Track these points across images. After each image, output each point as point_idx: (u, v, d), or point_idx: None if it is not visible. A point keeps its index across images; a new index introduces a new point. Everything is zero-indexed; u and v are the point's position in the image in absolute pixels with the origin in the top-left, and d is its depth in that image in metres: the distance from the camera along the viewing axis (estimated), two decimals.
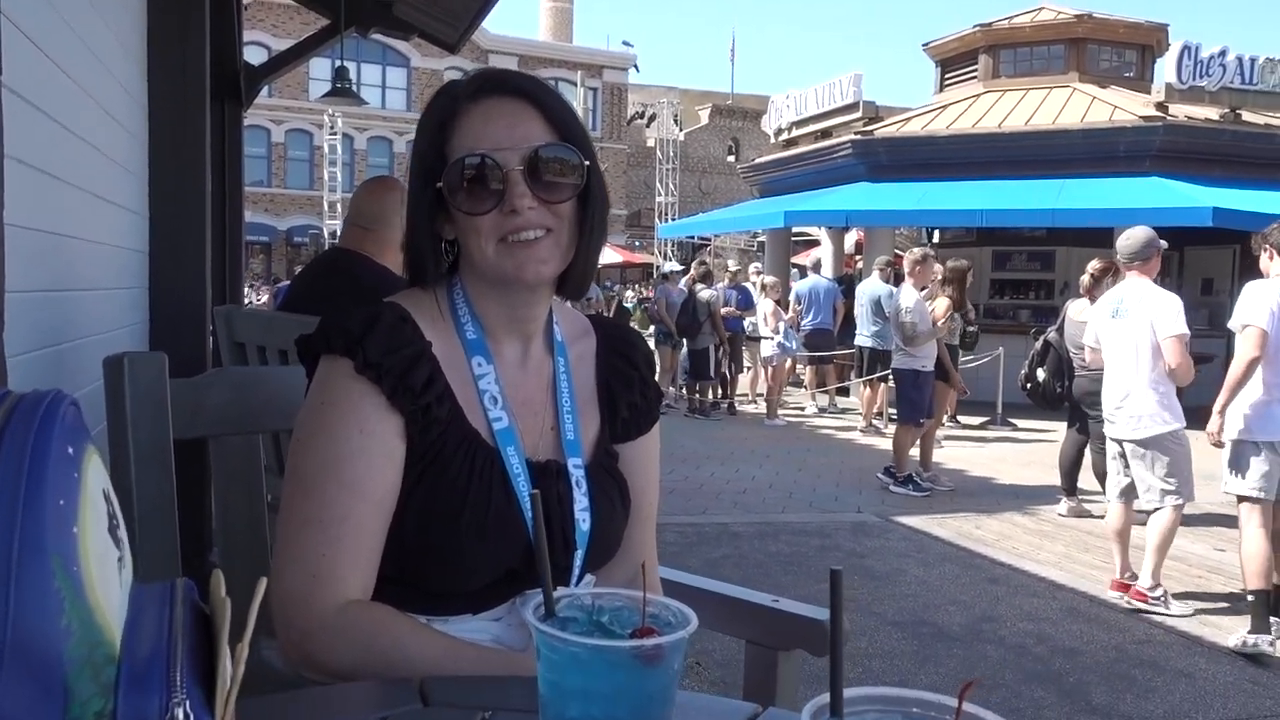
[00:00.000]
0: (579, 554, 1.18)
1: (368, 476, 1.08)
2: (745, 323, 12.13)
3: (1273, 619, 4.36)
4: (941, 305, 7.83)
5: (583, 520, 1.18)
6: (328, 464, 1.08)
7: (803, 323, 12.13)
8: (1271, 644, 4.28)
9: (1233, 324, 4.52)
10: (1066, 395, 6.77)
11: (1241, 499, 4.42)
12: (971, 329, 10.71)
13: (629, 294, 26.00)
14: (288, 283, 11.17)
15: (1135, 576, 5.04)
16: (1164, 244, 5.17)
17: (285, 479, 1.11)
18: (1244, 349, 4.38)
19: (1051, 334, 7.04)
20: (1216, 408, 4.48)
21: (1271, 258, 4.51)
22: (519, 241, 1.13)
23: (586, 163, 1.16)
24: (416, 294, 1.20)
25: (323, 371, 1.13)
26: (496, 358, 1.20)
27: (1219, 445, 4.48)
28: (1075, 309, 6.70)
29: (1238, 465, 4.43)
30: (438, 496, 1.11)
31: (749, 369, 12.99)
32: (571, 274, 1.20)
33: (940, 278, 8.15)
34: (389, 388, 1.10)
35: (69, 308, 2.45)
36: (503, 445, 1.15)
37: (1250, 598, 4.37)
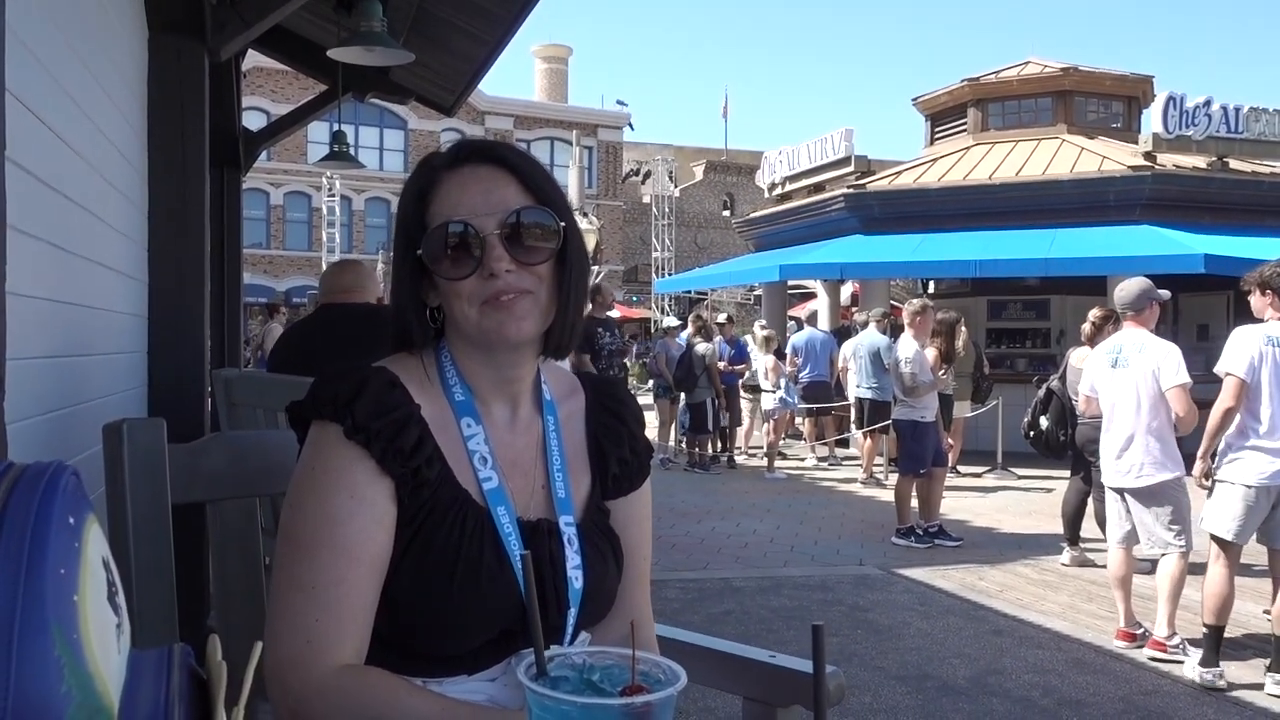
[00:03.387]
0: (572, 612, 1.18)
1: (360, 540, 1.09)
2: (748, 373, 12.18)
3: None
4: (931, 356, 7.85)
5: (575, 578, 1.19)
6: (320, 529, 1.09)
7: (800, 375, 12.16)
8: (1220, 677, 4.43)
9: (1218, 369, 4.62)
10: (1070, 443, 6.78)
11: (1214, 538, 4.53)
12: (985, 382, 10.80)
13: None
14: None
15: (1139, 625, 5.01)
16: (1165, 294, 5.22)
17: (278, 544, 1.12)
18: (1221, 398, 4.52)
19: (1054, 382, 7.06)
20: (1200, 453, 4.61)
21: (1270, 300, 4.56)
22: (499, 301, 1.15)
23: (563, 224, 1.18)
24: (404, 358, 1.22)
25: (313, 437, 1.15)
26: (485, 419, 1.21)
27: (1206, 487, 4.63)
28: (1077, 357, 6.73)
29: (1216, 506, 4.54)
30: (430, 558, 1.12)
31: (746, 420, 13.00)
32: (553, 334, 1.22)
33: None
34: (379, 451, 1.11)
35: (69, 373, 2.46)
36: (493, 505, 1.16)
37: (1205, 630, 4.52)
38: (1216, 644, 4.50)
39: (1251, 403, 4.43)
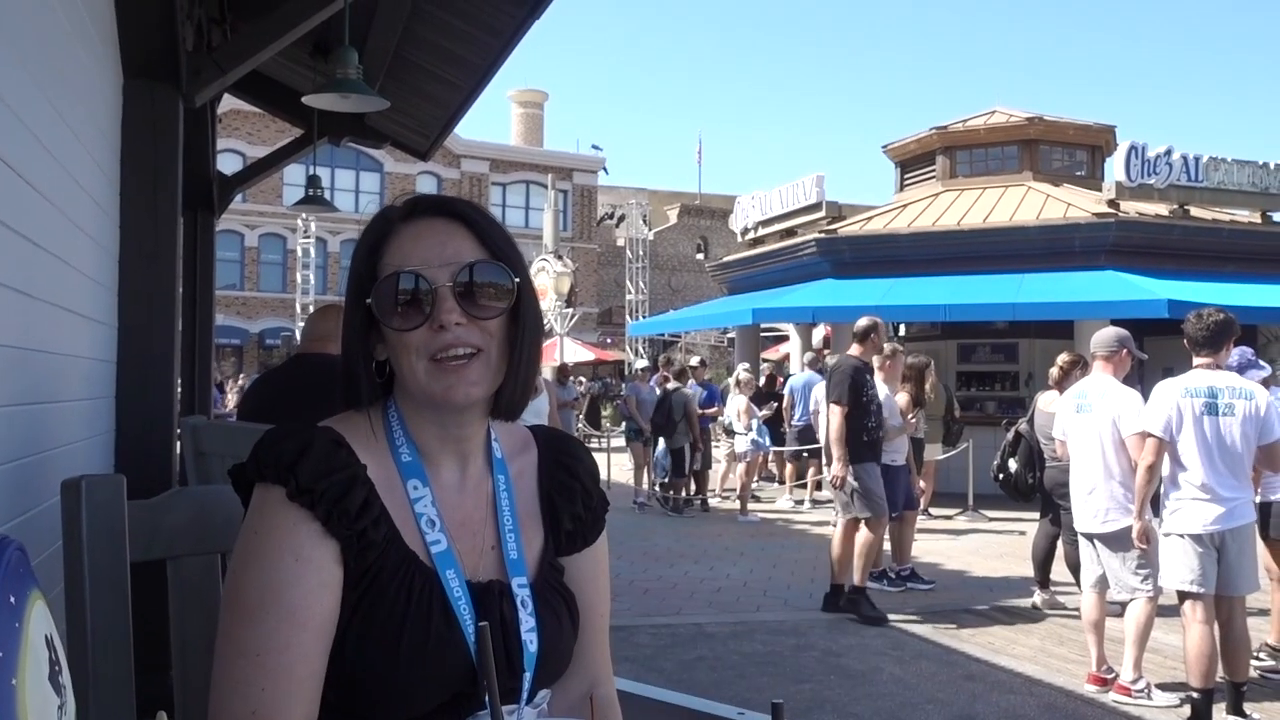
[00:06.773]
0: (527, 675, 1.15)
1: (305, 605, 1.06)
2: (721, 416, 12.21)
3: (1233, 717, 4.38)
4: (902, 400, 7.91)
5: (530, 642, 1.16)
6: (264, 594, 1.06)
7: (794, 418, 12.17)
8: None
9: (1136, 427, 4.68)
10: (1038, 486, 6.82)
11: (1181, 595, 4.47)
12: (956, 425, 10.88)
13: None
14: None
15: (1112, 669, 5.01)
16: (1141, 355, 5.31)
17: (221, 611, 1.09)
18: (1143, 457, 4.58)
19: (1023, 425, 7.12)
20: (1135, 514, 4.66)
21: (1193, 350, 4.64)
22: (449, 361, 1.13)
23: (518, 281, 1.17)
24: (351, 417, 1.19)
25: (256, 500, 1.12)
26: (433, 479, 1.19)
27: (1145, 547, 4.66)
28: (1045, 400, 6.80)
29: (1169, 561, 4.53)
30: (376, 621, 1.09)
31: (718, 463, 13.01)
32: (504, 394, 1.19)
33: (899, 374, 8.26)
34: (323, 513, 1.08)
35: (33, 421, 2.43)
36: (442, 569, 1.13)
37: (1195, 695, 4.37)
38: (1208, 708, 4.35)
39: (1180, 455, 4.48)
